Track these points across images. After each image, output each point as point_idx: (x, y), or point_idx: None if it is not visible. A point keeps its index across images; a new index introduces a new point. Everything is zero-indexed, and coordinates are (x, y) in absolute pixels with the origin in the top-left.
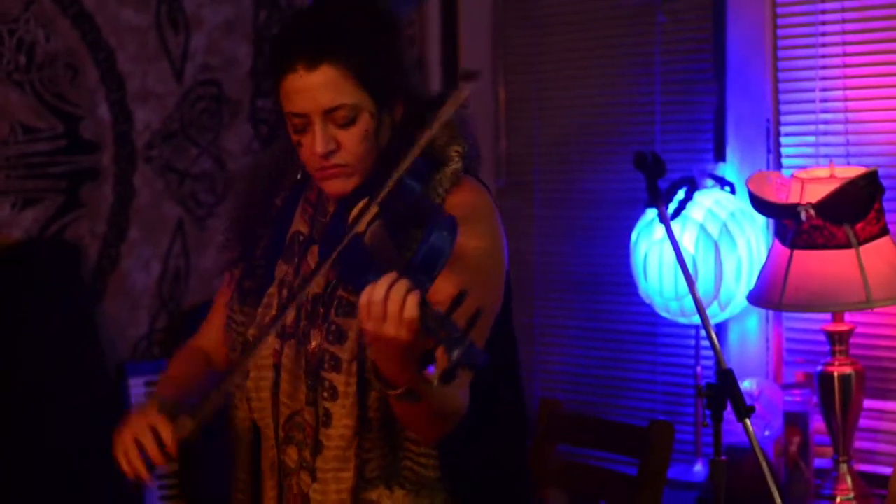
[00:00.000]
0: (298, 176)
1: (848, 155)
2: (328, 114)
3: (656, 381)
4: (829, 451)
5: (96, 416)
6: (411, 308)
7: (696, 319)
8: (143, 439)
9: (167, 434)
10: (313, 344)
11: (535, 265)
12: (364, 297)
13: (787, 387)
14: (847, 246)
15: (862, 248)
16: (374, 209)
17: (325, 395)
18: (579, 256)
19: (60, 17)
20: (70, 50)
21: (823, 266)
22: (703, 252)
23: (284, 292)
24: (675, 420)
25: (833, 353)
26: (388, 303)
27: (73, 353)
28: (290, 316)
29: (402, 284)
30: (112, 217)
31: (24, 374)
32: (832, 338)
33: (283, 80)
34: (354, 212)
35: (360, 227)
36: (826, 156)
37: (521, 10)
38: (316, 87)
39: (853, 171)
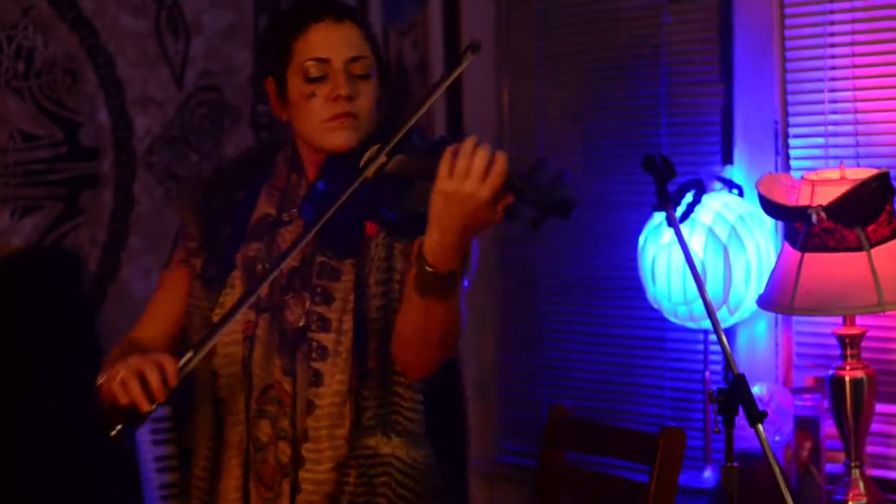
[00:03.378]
0: (288, 155)
1: (857, 156)
2: (350, 62)
3: (664, 387)
4: (841, 456)
5: (97, 424)
6: (501, 162)
7: (705, 324)
8: (147, 370)
9: (172, 367)
10: (296, 311)
11: (543, 270)
12: (448, 155)
13: (797, 391)
14: (858, 248)
15: (873, 251)
16: (382, 158)
17: (314, 355)
18: (586, 260)
19: (59, 22)
20: (69, 56)
21: (835, 269)
22: (711, 256)
23: (259, 267)
24: (683, 426)
25: (844, 357)
26: (474, 158)
27: (72, 360)
28: (265, 289)
29: (487, 144)
30: (112, 224)
31: (24, 382)
32: (843, 341)
33: (306, 31)
34: (371, 166)
35: (368, 173)
36: (835, 157)
37: (525, 14)
38: (342, 36)
39: (864, 173)
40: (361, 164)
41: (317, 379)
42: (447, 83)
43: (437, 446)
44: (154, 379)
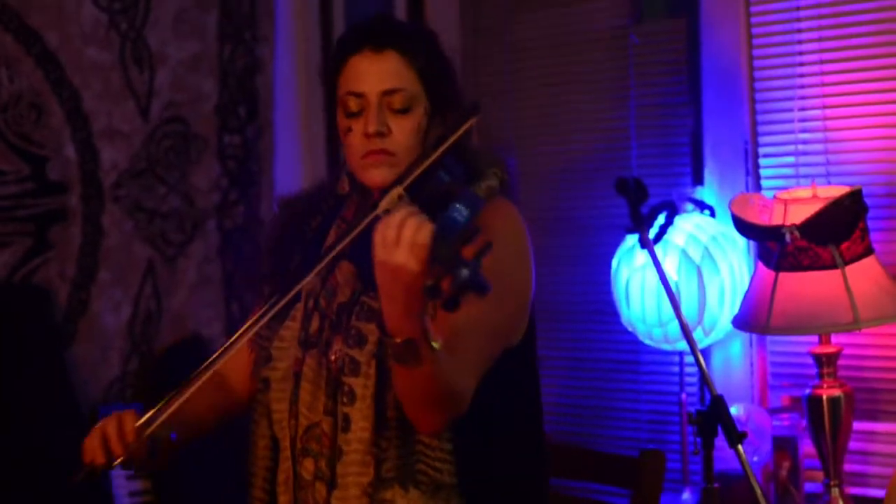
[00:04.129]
0: (345, 188)
1: (828, 174)
2: (385, 96)
3: (640, 410)
4: (820, 475)
5: (70, 460)
6: (424, 233)
7: (681, 346)
8: (106, 427)
9: (129, 422)
10: (334, 349)
11: None
12: (380, 225)
13: (774, 411)
14: (833, 266)
15: (848, 269)
16: (397, 190)
17: (345, 399)
18: (560, 285)
19: (24, 56)
20: (34, 90)
21: (810, 288)
22: (685, 277)
23: (311, 303)
24: (660, 448)
25: (821, 376)
26: (403, 228)
27: (45, 396)
28: (314, 325)
29: (418, 215)
30: (81, 258)
31: None
32: (820, 360)
33: (347, 62)
34: (384, 201)
35: (380, 209)
36: (806, 176)
37: (492, 37)
38: (379, 69)
39: (835, 191)
40: (376, 202)
41: (346, 424)
42: (451, 142)
43: (474, 498)
44: (112, 434)
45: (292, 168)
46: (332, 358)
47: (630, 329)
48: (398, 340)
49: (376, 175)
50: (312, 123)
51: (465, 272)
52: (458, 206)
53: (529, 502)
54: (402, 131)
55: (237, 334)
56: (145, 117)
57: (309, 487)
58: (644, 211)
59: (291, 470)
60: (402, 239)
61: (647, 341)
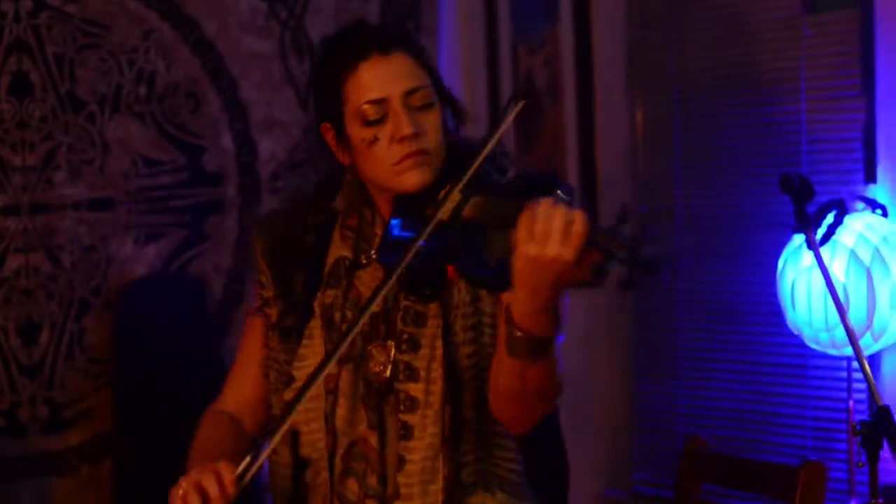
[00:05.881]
0: (341, 205)
1: None
2: (408, 96)
3: (806, 417)
4: None
5: None
6: (580, 222)
7: (848, 351)
8: (204, 480)
9: (228, 474)
10: (380, 360)
11: (678, 294)
12: (525, 219)
13: None
14: None
15: None
16: (456, 195)
17: (402, 407)
18: (724, 284)
19: (181, 45)
20: (191, 79)
21: None
22: (854, 279)
23: (337, 315)
24: (826, 457)
25: None
26: (551, 220)
27: (198, 391)
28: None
29: (563, 205)
30: (237, 250)
31: (151, 414)
32: None
33: (355, 71)
34: (445, 208)
35: (443, 214)
36: None
37: (658, 27)
38: (393, 70)
39: None
40: (435, 206)
41: (406, 432)
42: (498, 135)
43: (538, 493)
44: (212, 490)
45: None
46: (377, 369)
47: (796, 332)
48: (535, 335)
49: (416, 177)
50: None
51: (647, 249)
52: (561, 191)
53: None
54: (433, 128)
55: (313, 374)
56: (305, 108)
57: None
58: (811, 209)
59: (330, 493)
60: (552, 230)
61: (813, 346)
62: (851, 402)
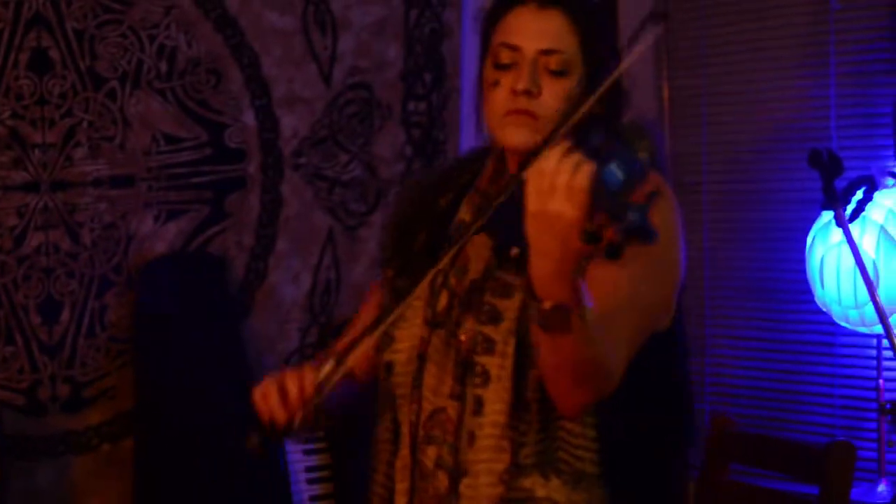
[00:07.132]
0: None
1: None
2: (543, 55)
3: (835, 395)
4: None
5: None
6: (583, 176)
7: (878, 329)
8: (287, 381)
9: (310, 378)
10: (465, 328)
11: (705, 271)
12: (532, 169)
13: None
14: None
15: None
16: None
17: (478, 380)
18: (751, 261)
19: (202, 20)
20: (213, 55)
21: None
22: (884, 256)
23: (439, 280)
24: (854, 436)
25: None
26: (557, 174)
27: (219, 369)
28: (442, 303)
29: (574, 156)
30: (259, 228)
31: (172, 392)
32: None
33: (509, 12)
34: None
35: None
36: None
37: (687, 1)
38: (541, 26)
39: None
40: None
41: (479, 407)
42: (631, 60)
43: (618, 490)
44: (293, 389)
45: (478, 137)
46: (463, 338)
47: (825, 310)
48: (547, 305)
49: (516, 135)
50: None
51: (633, 216)
52: (615, 163)
53: (670, 496)
54: (553, 94)
55: (395, 308)
56: (328, 83)
57: (430, 476)
58: (841, 185)
59: (410, 457)
60: (557, 185)
61: (842, 323)
62: (881, 381)
